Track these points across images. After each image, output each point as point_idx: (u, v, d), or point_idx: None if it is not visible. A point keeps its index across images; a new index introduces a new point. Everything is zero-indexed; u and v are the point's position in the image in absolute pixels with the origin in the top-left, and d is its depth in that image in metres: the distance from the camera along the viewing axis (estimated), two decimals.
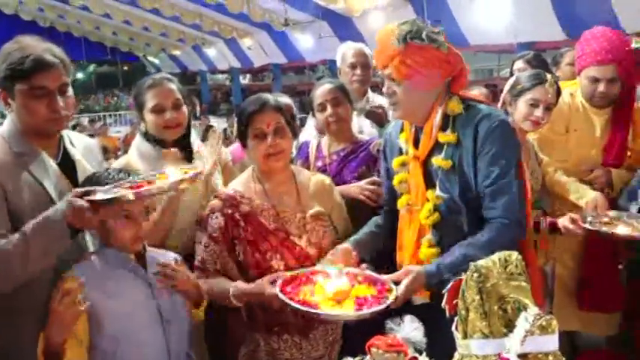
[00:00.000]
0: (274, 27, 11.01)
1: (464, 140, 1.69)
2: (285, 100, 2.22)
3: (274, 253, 1.76)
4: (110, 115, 16.88)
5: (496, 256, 0.95)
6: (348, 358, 1.03)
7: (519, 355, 0.83)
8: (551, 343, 0.84)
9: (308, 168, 2.25)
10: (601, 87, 2.29)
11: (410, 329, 0.96)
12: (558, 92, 2.18)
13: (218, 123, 10.03)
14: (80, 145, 1.83)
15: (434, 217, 1.72)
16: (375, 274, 1.65)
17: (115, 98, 20.36)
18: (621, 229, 2.06)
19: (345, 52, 2.95)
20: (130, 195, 1.47)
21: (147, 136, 2.09)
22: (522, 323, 0.84)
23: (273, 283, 1.61)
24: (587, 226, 2.06)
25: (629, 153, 2.42)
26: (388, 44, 1.64)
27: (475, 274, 0.91)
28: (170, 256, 1.76)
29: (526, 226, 1.73)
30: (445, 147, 1.70)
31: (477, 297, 0.89)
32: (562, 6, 7.34)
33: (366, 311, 1.46)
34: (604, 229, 2.06)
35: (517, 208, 1.69)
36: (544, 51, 8.04)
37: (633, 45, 2.25)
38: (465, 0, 8.24)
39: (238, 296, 1.69)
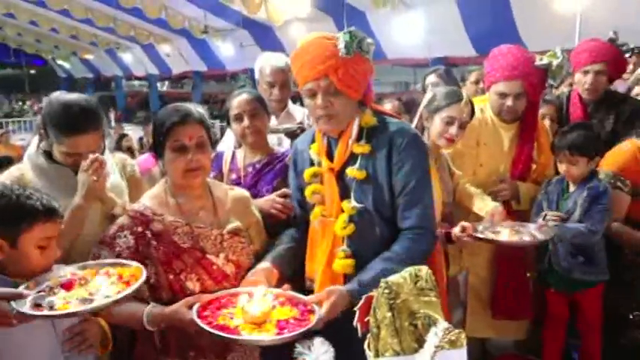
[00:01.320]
0: (194, 34, 10.78)
1: (378, 152, 1.72)
2: (202, 110, 2.12)
3: (189, 273, 1.66)
4: (14, 122, 15.68)
5: (406, 272, 0.96)
6: None
7: None
8: (460, 356, 0.86)
9: (221, 180, 2.18)
10: (509, 102, 2.40)
11: (319, 352, 0.94)
12: (472, 110, 2.26)
13: (134, 131, 9.60)
14: None
15: (349, 228, 1.73)
16: (297, 295, 1.61)
17: (20, 103, 19.02)
18: (504, 236, 2.16)
19: (262, 66, 2.86)
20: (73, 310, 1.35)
21: (45, 153, 1.89)
22: (432, 338, 0.85)
23: (191, 307, 1.52)
24: (476, 234, 2.14)
25: (534, 167, 2.56)
26: (328, 54, 1.62)
27: (386, 291, 0.91)
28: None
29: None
30: (360, 158, 1.72)
31: (389, 314, 0.89)
32: (472, 24, 7.82)
33: (287, 335, 1.40)
34: (490, 236, 2.15)
35: (431, 218, 1.76)
36: (456, 66, 8.51)
37: (537, 62, 2.37)
38: (383, 15, 8.53)
39: (153, 321, 1.57)
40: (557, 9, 6.59)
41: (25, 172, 1.87)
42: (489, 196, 2.37)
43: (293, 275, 1.80)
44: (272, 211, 2.01)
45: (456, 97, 2.20)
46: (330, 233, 1.76)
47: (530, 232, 2.20)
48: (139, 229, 1.67)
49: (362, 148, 1.72)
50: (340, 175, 1.77)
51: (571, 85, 3.65)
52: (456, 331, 0.87)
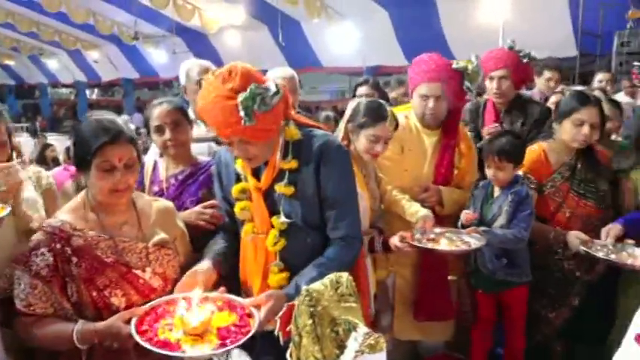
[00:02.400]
0: (124, 40, 10.45)
1: (304, 166, 1.72)
2: (130, 124, 2.02)
3: (114, 289, 1.59)
4: None
5: (327, 279, 0.97)
6: None
7: None
8: None
9: (143, 192, 2.08)
10: (430, 103, 2.49)
11: None
12: (396, 123, 2.30)
13: (60, 141, 9.13)
14: None
15: (280, 243, 1.73)
16: (235, 298, 1.58)
17: None
18: (443, 245, 2.23)
19: (190, 68, 2.81)
20: None
21: None
22: (352, 344, 0.86)
23: (127, 321, 1.45)
24: (415, 243, 2.19)
25: (456, 172, 2.66)
26: (231, 119, 1.56)
27: (307, 299, 0.92)
28: None
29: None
30: (287, 174, 1.72)
31: (310, 321, 0.90)
32: (403, 35, 8.10)
33: (231, 347, 1.38)
34: (429, 245, 2.22)
35: (358, 227, 1.81)
36: (390, 74, 8.75)
37: (454, 65, 2.50)
38: (318, 25, 8.65)
39: (84, 338, 1.49)
40: (481, 21, 6.96)
41: None
42: (417, 203, 2.44)
43: (227, 275, 1.78)
44: (199, 222, 1.97)
45: (380, 117, 2.21)
46: (262, 249, 1.76)
47: (463, 240, 2.27)
48: (58, 245, 1.58)
49: (289, 164, 1.72)
50: (268, 191, 1.76)
51: None
52: (376, 335, 0.89)
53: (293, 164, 1.71)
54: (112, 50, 12.03)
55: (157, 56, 10.82)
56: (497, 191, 2.49)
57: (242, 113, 1.53)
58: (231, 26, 9.28)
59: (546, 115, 2.99)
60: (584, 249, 2.25)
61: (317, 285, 0.95)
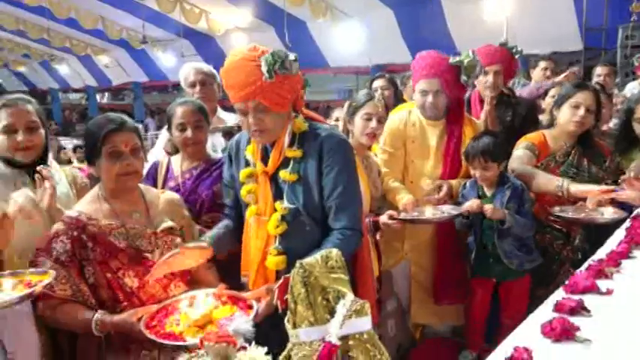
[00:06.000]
0: (132, 44, 10.61)
1: (309, 156, 1.83)
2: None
3: (127, 271, 1.74)
4: None
5: (319, 254, 1.07)
6: (183, 354, 1.08)
7: (340, 338, 0.94)
8: (365, 323, 0.97)
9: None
10: (429, 98, 2.64)
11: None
12: (387, 108, 2.52)
13: (72, 144, 9.32)
14: None
15: (282, 227, 1.83)
16: (237, 293, 1.72)
17: None
18: (428, 213, 2.51)
19: (187, 72, 2.95)
20: None
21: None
22: (340, 309, 0.96)
23: (139, 318, 1.60)
24: (402, 216, 2.44)
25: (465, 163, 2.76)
26: (253, 78, 1.67)
27: (300, 270, 1.02)
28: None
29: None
30: (292, 162, 1.83)
31: (303, 290, 0.99)
32: (409, 34, 8.16)
33: None
34: (415, 215, 2.48)
35: (359, 218, 1.90)
36: (396, 72, 8.82)
37: (451, 60, 2.60)
38: (324, 25, 8.74)
39: (101, 328, 1.64)
40: (486, 17, 7.01)
41: None
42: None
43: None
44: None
45: (369, 96, 2.44)
46: (263, 231, 1.86)
47: (442, 210, 2.53)
48: (75, 233, 1.73)
49: (294, 152, 1.83)
50: (273, 177, 1.86)
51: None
52: (361, 301, 0.98)
53: (298, 153, 1.82)
54: (122, 54, 12.21)
55: (166, 60, 10.97)
56: (487, 190, 2.59)
57: (263, 69, 1.66)
58: (237, 28, 9.39)
59: (532, 112, 3.21)
60: (557, 212, 2.43)
61: (309, 259, 1.05)
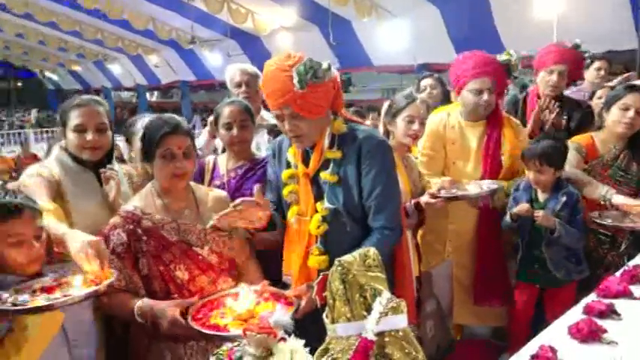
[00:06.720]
0: (181, 44, 10.89)
1: (348, 157, 1.88)
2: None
3: (178, 264, 1.83)
4: (2, 135, 15.68)
5: (357, 253, 1.11)
6: (227, 343, 1.14)
7: (376, 334, 0.98)
8: (401, 321, 1.00)
9: None
10: (485, 96, 2.63)
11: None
12: (428, 109, 2.53)
13: (123, 141, 9.66)
14: None
15: (323, 227, 1.88)
16: (279, 291, 1.79)
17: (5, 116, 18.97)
18: (472, 189, 2.46)
19: (233, 72, 3.08)
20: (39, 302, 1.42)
21: (67, 151, 2.11)
22: (377, 306, 0.99)
23: (184, 310, 1.68)
24: (443, 193, 2.40)
25: (503, 158, 2.73)
26: (286, 88, 1.74)
27: (339, 268, 1.06)
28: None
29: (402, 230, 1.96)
30: (332, 163, 1.88)
31: (341, 287, 1.04)
32: (455, 31, 8.03)
33: None
34: (459, 193, 2.44)
35: (398, 217, 1.93)
36: (441, 71, 8.71)
37: (499, 58, 2.59)
38: (369, 24, 8.72)
39: (142, 315, 1.72)
40: (535, 15, 6.81)
41: (52, 168, 2.05)
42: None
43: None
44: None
45: (411, 98, 2.44)
46: (305, 232, 1.93)
47: (482, 186, 2.49)
48: (130, 226, 1.84)
49: (334, 154, 1.88)
50: (314, 179, 1.92)
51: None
52: (398, 299, 1.01)
53: (337, 154, 1.87)
54: (171, 54, 12.54)
55: (213, 59, 11.18)
56: (540, 194, 2.53)
57: (295, 80, 1.70)
58: (282, 28, 9.49)
59: (588, 119, 3.10)
60: (593, 218, 2.38)
61: (347, 257, 1.09)
